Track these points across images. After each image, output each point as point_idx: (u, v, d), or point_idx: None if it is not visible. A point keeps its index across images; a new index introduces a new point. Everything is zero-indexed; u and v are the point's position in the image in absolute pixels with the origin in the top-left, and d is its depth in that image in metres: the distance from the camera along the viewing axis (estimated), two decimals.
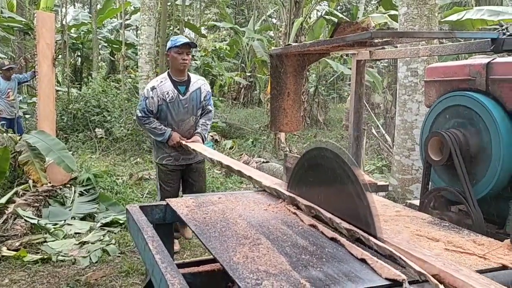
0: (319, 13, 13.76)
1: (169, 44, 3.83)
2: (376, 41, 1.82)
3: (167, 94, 3.82)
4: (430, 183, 2.30)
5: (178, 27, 17.07)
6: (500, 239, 1.68)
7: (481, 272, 1.37)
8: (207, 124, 4.07)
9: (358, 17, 13.36)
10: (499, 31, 1.62)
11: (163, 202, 2.20)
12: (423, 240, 1.67)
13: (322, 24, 12.23)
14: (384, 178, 6.71)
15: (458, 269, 1.32)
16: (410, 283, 1.32)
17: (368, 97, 14.11)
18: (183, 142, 3.79)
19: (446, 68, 2.27)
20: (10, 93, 8.46)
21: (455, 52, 1.85)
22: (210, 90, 4.11)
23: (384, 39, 1.62)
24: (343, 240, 1.60)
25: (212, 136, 10.55)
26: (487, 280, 1.26)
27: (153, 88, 3.83)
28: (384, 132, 7.87)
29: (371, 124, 9.26)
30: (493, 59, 2.04)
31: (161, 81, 3.87)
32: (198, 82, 4.00)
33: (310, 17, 12.99)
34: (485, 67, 2.03)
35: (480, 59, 2.12)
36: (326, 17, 11.77)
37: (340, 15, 13.21)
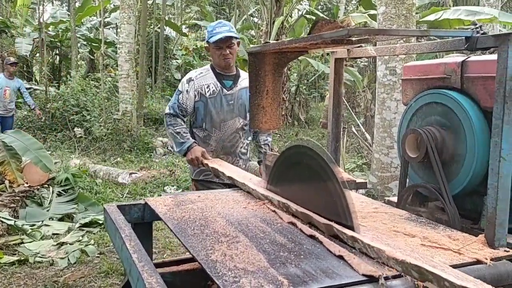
0: (300, 12, 13.81)
1: (206, 36, 3.14)
2: (353, 39, 1.84)
3: (207, 87, 3.09)
4: (407, 180, 2.33)
5: (158, 26, 16.97)
6: (475, 234, 1.71)
7: (455, 266, 1.40)
8: (269, 142, 3.33)
9: (339, 17, 13.45)
10: (472, 29, 1.65)
11: (141, 201, 2.18)
12: (400, 236, 1.69)
13: (303, 23, 12.28)
14: (364, 176, 6.77)
15: (433, 263, 1.33)
16: (386, 278, 1.33)
17: (349, 96, 14.25)
18: (205, 162, 2.89)
19: (422, 66, 2.30)
20: (7, 92, 8.25)
21: (430, 51, 1.87)
22: None
23: (361, 37, 1.64)
24: (321, 237, 1.61)
25: None
26: (463, 274, 1.29)
27: (189, 80, 3.12)
28: (364, 130, 7.95)
29: (351, 123, 9.34)
30: (467, 58, 2.07)
31: (201, 73, 3.17)
32: (246, 80, 3.01)
33: (291, 16, 13.04)
34: (460, 65, 2.06)
35: (455, 58, 2.15)
36: (307, 16, 11.83)
37: (321, 15, 13.30)
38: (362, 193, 4.78)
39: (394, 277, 1.36)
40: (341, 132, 2.62)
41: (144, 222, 2.18)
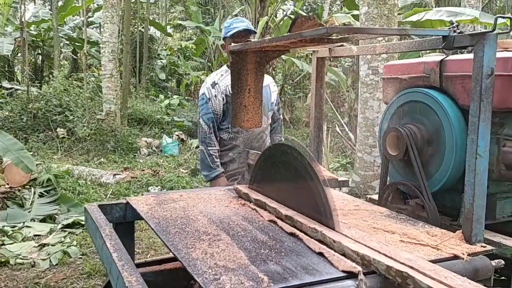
0: (284, 12, 13.84)
1: (223, 32, 3.09)
2: (334, 38, 1.85)
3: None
4: (388, 177, 2.35)
5: (143, 25, 16.86)
6: (455, 230, 1.74)
7: (433, 262, 1.42)
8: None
9: (323, 17, 13.53)
10: (450, 28, 1.67)
11: (123, 201, 2.17)
12: (380, 232, 1.71)
13: (287, 23, 12.29)
14: (348, 175, 6.82)
15: (412, 259, 1.35)
16: (365, 274, 1.35)
17: (334, 96, 14.32)
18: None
19: (402, 65, 2.32)
20: None
21: (409, 49, 1.90)
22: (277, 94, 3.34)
23: (341, 36, 1.66)
24: (301, 234, 1.62)
25: (177, 135, 10.47)
26: (442, 269, 1.31)
27: (214, 85, 3.05)
28: (348, 130, 8.00)
29: (336, 123, 9.39)
30: (446, 57, 2.10)
31: (222, 75, 3.09)
32: (266, 79, 2.96)
33: (276, 16, 13.06)
34: (438, 64, 2.09)
35: (434, 57, 2.18)
36: (292, 16, 11.85)
37: (309, 16, 13.34)
38: (345, 192, 4.82)
39: (373, 273, 1.38)
40: (324, 131, 2.64)
41: (125, 222, 2.17)
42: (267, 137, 3.20)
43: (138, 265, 2.28)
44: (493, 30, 1.54)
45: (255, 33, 3.06)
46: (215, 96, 3.02)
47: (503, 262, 1.52)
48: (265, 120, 3.10)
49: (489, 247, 1.57)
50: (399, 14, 7.93)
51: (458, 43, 1.63)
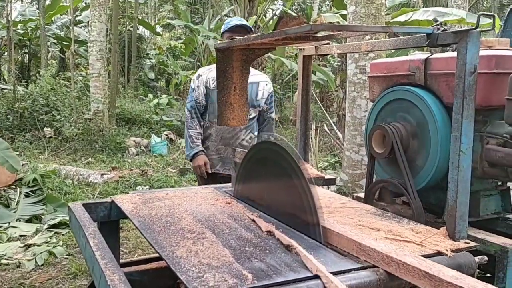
0: (274, 12, 13.86)
1: (222, 28, 3.28)
2: (319, 35, 1.85)
3: (212, 80, 3.18)
4: (374, 175, 2.36)
5: (131, 25, 16.77)
6: (439, 228, 1.74)
7: None
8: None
9: (312, 17, 13.56)
10: (433, 26, 1.68)
11: (108, 200, 2.15)
12: (365, 230, 1.71)
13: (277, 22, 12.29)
14: (336, 174, 6.84)
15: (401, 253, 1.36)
16: (359, 269, 1.36)
17: (323, 95, 14.36)
18: (204, 171, 3.18)
19: (388, 63, 2.33)
20: None
21: (394, 47, 1.90)
22: (273, 94, 3.44)
23: (326, 34, 1.65)
24: (278, 232, 1.61)
25: (166, 134, 10.43)
26: (428, 262, 1.31)
27: (198, 76, 3.30)
28: (336, 129, 8.03)
29: (325, 122, 9.42)
30: (431, 55, 2.11)
31: (210, 69, 3.31)
32: (257, 76, 3.35)
33: (265, 16, 13.07)
34: (423, 62, 2.10)
35: (419, 55, 2.19)
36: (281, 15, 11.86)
37: (295, 15, 13.36)
38: (333, 190, 4.83)
39: (358, 269, 1.38)
40: (310, 129, 2.64)
41: (110, 221, 2.15)
42: (241, 130, 3.30)
43: (124, 265, 2.26)
44: (476, 27, 1.55)
45: (252, 31, 3.19)
46: (198, 86, 3.26)
47: (486, 258, 1.53)
48: (250, 114, 3.26)
49: (472, 244, 1.58)
50: (387, 14, 7.98)
51: (442, 41, 1.64)
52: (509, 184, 2.16)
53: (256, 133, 3.41)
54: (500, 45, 2.09)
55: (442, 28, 1.65)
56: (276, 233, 1.64)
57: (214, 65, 3.18)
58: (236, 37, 2.93)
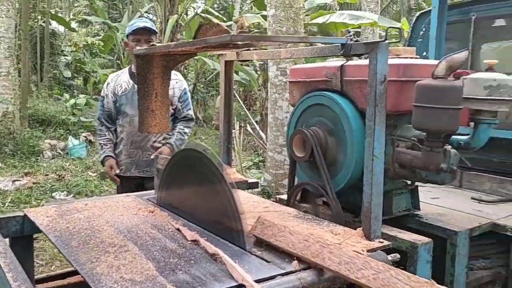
0: (195, 11, 13.74)
1: (126, 31, 3.20)
2: (239, 43, 1.87)
3: (120, 86, 3.19)
4: (296, 178, 2.43)
5: (43, 20, 15.81)
6: (357, 227, 1.84)
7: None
8: (185, 133, 3.28)
9: (234, 16, 13.63)
10: (347, 37, 1.77)
11: (21, 213, 2.02)
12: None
13: (198, 22, 12.23)
14: (261, 173, 6.95)
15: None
16: (283, 275, 1.39)
17: (246, 95, 14.50)
18: (113, 175, 3.18)
19: (307, 69, 2.41)
20: None
21: (311, 55, 1.97)
22: (188, 92, 3.35)
23: (246, 42, 1.68)
24: (202, 240, 1.62)
25: (85, 136, 9.98)
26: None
27: (107, 84, 3.27)
28: (259, 129, 8.15)
29: (248, 121, 9.52)
30: (346, 62, 2.21)
31: (118, 75, 3.32)
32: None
33: (186, 14, 12.92)
34: (339, 69, 2.19)
35: (336, 62, 2.29)
36: (202, 15, 11.79)
37: (216, 13, 13.36)
38: (258, 190, 4.90)
39: (283, 275, 1.42)
40: (236, 130, 2.66)
41: (23, 236, 2.02)
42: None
43: (39, 281, 2.14)
44: (385, 39, 1.65)
45: (157, 33, 3.17)
46: (107, 95, 3.24)
47: (398, 256, 1.64)
48: None
49: (386, 243, 1.69)
50: (306, 15, 8.24)
51: (355, 51, 1.73)
52: (417, 183, 2.32)
53: (171, 133, 3.30)
54: (407, 54, 2.24)
55: (355, 39, 1.74)
56: (201, 242, 1.65)
57: (123, 70, 3.32)
58: (140, 39, 3.03)
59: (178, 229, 1.79)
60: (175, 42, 1.81)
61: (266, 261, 1.52)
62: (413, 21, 3.83)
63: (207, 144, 8.34)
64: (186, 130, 3.32)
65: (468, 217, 2.41)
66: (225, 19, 13.06)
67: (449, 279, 2.15)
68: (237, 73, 10.80)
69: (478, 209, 2.63)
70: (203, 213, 1.84)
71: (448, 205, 2.66)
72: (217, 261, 1.49)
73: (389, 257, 1.61)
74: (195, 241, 1.67)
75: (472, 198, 2.86)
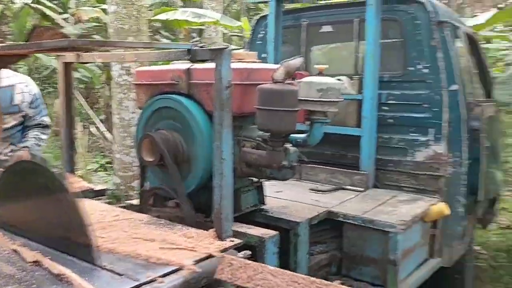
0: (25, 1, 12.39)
1: None
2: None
3: None
4: (148, 183, 2.38)
5: None
6: (209, 227, 1.88)
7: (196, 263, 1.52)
8: (41, 140, 3.02)
9: (70, 7, 12.67)
10: (193, 42, 1.80)
11: None
12: (140, 242, 1.73)
13: (28, 12, 11.06)
14: (108, 176, 6.64)
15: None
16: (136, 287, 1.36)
17: (88, 93, 13.63)
18: None
19: (152, 72, 2.37)
20: None
21: (158, 59, 1.95)
22: (40, 97, 3.06)
23: (84, 46, 1.59)
24: (46, 260, 1.51)
25: None
26: None
27: None
28: (104, 129, 7.76)
29: (91, 121, 8.99)
30: (192, 65, 2.23)
31: None
32: (13, 78, 2.96)
33: (13, 2, 11.58)
34: (185, 72, 2.20)
35: (181, 64, 2.29)
36: (33, 5, 10.71)
37: (50, 4, 12.23)
38: (108, 194, 4.67)
39: (137, 286, 1.39)
40: (75, 135, 2.49)
41: None
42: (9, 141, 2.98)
43: None
44: (228, 46, 1.71)
45: None
46: None
47: (249, 252, 1.73)
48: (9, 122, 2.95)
49: (237, 241, 1.76)
50: (149, 10, 8.05)
51: (201, 57, 1.77)
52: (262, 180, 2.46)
53: (21, 144, 3.03)
54: (249, 58, 2.36)
55: (201, 45, 1.78)
56: (44, 262, 1.52)
57: None
58: None
59: (15, 250, 1.62)
60: (6, 45, 1.63)
61: (119, 274, 1.47)
62: (254, 24, 4.04)
63: (47, 148, 7.60)
64: (43, 136, 3.06)
65: (308, 207, 2.65)
66: (60, 10, 12.05)
67: (293, 266, 2.34)
68: (77, 70, 10.10)
69: (316, 199, 2.90)
70: (46, 229, 1.70)
71: (290, 197, 2.88)
72: (63, 282, 1.39)
73: (240, 255, 1.68)
74: (36, 262, 1.53)
75: (310, 189, 3.15)
